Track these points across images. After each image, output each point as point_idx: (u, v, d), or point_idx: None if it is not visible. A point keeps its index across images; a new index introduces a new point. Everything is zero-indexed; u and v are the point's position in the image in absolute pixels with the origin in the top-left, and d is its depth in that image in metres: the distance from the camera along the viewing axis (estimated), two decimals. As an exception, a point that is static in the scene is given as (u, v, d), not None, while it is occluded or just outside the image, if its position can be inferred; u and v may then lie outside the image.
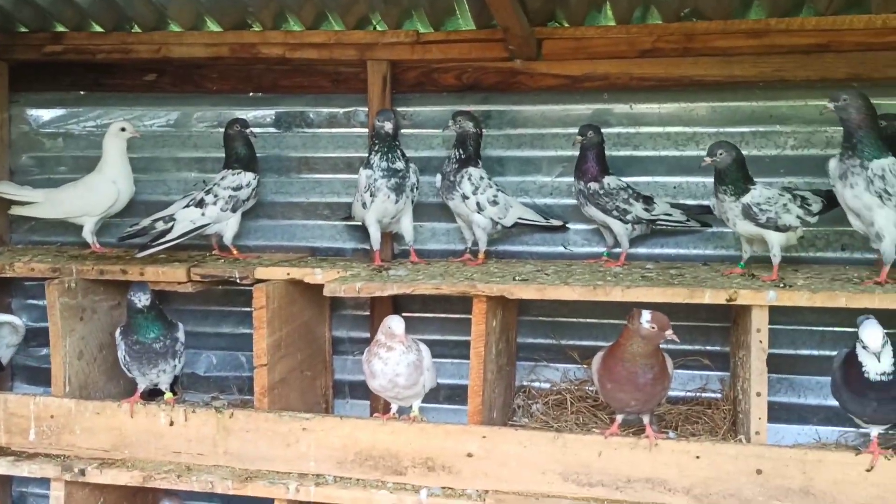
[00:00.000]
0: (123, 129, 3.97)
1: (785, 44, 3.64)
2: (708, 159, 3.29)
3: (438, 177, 3.79)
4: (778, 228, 3.30)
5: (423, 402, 3.37)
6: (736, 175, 3.30)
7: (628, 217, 3.66)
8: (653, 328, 2.88)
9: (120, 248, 4.09)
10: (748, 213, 3.28)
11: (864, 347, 2.76)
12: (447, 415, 3.97)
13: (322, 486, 3.25)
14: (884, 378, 2.76)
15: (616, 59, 3.82)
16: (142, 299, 3.37)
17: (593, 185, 3.64)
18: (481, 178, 3.70)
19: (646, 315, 2.88)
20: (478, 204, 3.68)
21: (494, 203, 3.70)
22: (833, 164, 3.13)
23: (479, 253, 3.80)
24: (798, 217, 3.32)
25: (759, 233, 3.33)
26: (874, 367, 2.77)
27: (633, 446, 3.04)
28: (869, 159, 3.01)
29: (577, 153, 3.75)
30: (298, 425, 3.31)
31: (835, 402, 3.03)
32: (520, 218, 3.82)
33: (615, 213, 3.65)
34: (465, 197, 3.68)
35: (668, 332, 2.88)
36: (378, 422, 3.28)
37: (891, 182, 3.00)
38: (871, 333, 2.74)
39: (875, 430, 2.90)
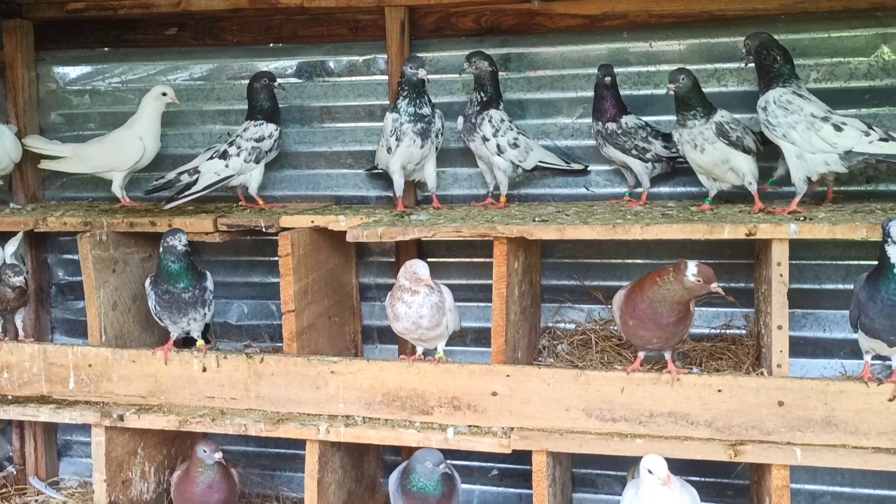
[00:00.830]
0: (164, 94, 4.02)
1: (807, -26, 3.58)
2: (671, 86, 3.34)
3: (460, 119, 3.80)
4: (745, 150, 3.36)
5: (451, 345, 3.43)
6: (700, 97, 3.37)
7: (648, 155, 3.66)
8: (698, 281, 2.88)
9: (149, 202, 4.17)
10: (721, 131, 3.33)
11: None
12: (474, 357, 4.04)
13: (351, 426, 3.34)
14: None
15: (636, -4, 3.79)
16: (182, 240, 3.46)
17: (611, 126, 3.64)
18: (502, 120, 3.70)
19: (692, 268, 2.88)
20: (498, 146, 3.69)
21: (515, 146, 3.71)
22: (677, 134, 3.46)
23: (500, 197, 3.82)
24: (753, 142, 3.43)
25: (727, 157, 3.35)
26: None
27: (656, 382, 3.08)
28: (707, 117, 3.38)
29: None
30: (327, 368, 3.39)
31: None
32: (540, 161, 3.83)
33: (634, 151, 3.65)
34: (485, 139, 3.69)
35: (714, 285, 2.89)
36: (404, 363, 3.35)
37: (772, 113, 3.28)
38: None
39: (896, 359, 2.91)
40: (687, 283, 2.89)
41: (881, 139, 3.17)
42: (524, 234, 3.20)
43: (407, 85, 3.65)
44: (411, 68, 3.61)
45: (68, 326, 4.67)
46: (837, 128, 3.20)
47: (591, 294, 3.98)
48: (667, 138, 3.68)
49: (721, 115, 3.38)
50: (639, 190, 3.77)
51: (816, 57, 3.69)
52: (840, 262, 3.72)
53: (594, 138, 3.76)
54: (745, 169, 3.37)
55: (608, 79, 3.65)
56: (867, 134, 3.19)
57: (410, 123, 3.64)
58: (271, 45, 4.31)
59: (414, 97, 3.64)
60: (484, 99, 3.70)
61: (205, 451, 3.51)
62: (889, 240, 2.75)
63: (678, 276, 2.89)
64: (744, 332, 3.77)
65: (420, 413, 3.31)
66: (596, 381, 3.13)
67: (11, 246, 3.97)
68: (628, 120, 3.65)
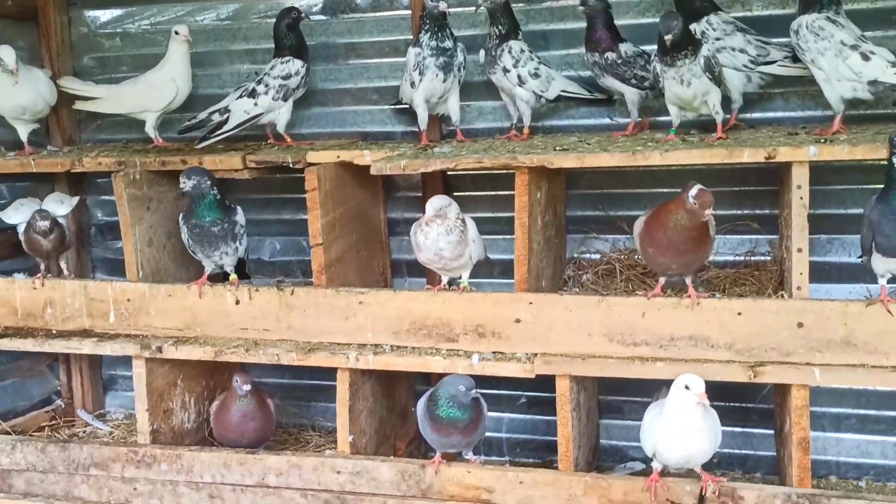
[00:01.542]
0: (177, 33, 4.08)
1: None
2: (669, 37, 3.24)
3: (482, 52, 3.81)
4: (718, 83, 3.39)
5: (478, 277, 3.48)
6: (690, 36, 3.32)
7: (645, 84, 3.64)
8: (694, 204, 2.90)
9: (181, 142, 4.26)
10: (708, 66, 3.32)
11: None
12: (501, 288, 4.08)
13: (380, 354, 3.44)
14: None
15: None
16: (188, 184, 3.54)
17: (611, 55, 3.61)
18: (522, 50, 3.70)
19: (693, 190, 2.90)
20: (519, 77, 3.70)
21: (536, 76, 3.72)
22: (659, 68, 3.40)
23: (523, 128, 3.84)
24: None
25: (708, 90, 3.35)
26: None
27: (676, 306, 3.13)
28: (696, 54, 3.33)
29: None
30: (355, 299, 3.48)
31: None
32: (563, 90, 3.82)
33: (633, 81, 3.63)
34: (506, 70, 3.70)
35: (707, 212, 2.90)
36: (430, 293, 3.43)
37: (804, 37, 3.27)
38: None
39: (915, 279, 2.92)
40: (687, 205, 2.91)
41: None
42: (544, 163, 3.23)
43: (428, 18, 3.66)
44: (432, 1, 3.62)
45: (108, 266, 4.82)
46: (865, 57, 3.16)
47: (616, 224, 4.00)
48: None
49: (706, 49, 3.36)
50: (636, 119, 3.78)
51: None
52: (865, 187, 3.68)
53: (590, 69, 3.72)
54: (715, 100, 3.39)
55: (599, 6, 3.60)
56: (894, 65, 3.15)
57: (433, 57, 3.66)
58: (294, -18, 4.34)
59: (436, 30, 3.66)
60: (502, 32, 3.70)
61: (237, 382, 3.64)
62: None
63: (683, 199, 2.92)
64: (768, 258, 3.78)
65: (446, 341, 3.40)
66: (617, 307, 3.19)
67: (65, 208, 4.09)
68: (626, 48, 3.62)
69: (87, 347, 3.79)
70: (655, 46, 3.40)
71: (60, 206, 4.08)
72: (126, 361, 4.01)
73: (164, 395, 3.85)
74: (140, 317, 3.76)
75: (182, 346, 3.65)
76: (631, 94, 3.69)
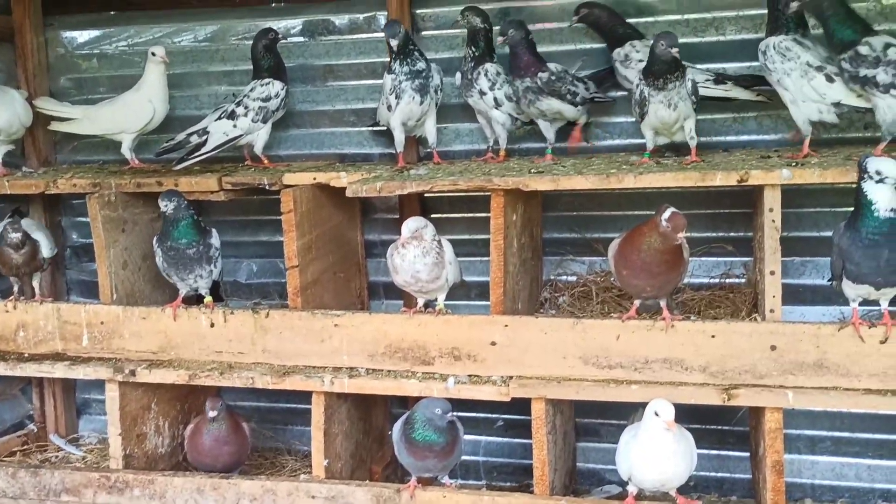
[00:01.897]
0: (154, 54, 4.08)
1: None
2: (676, 50, 3.24)
3: (458, 75, 3.83)
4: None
5: (455, 299, 3.47)
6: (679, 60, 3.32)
7: (577, 99, 3.66)
8: (667, 227, 2.91)
9: (158, 164, 4.24)
10: (694, 90, 3.37)
11: (881, 178, 2.73)
12: (478, 310, 4.06)
13: (355, 377, 3.43)
14: (892, 215, 2.74)
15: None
16: (169, 207, 3.52)
17: (543, 75, 3.58)
18: (497, 73, 3.72)
19: (665, 213, 2.91)
20: (495, 99, 3.72)
21: (511, 98, 3.73)
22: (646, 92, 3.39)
23: (500, 151, 3.85)
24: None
25: (690, 113, 3.38)
26: (885, 202, 2.74)
27: (650, 328, 3.13)
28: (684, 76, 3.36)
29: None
30: (330, 322, 3.47)
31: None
32: None
33: (568, 97, 3.63)
34: (482, 93, 3.72)
35: (680, 235, 2.91)
36: (405, 316, 3.42)
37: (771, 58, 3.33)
38: (886, 162, 2.72)
39: (885, 303, 2.93)
40: (660, 228, 2.92)
41: None
42: (520, 186, 3.24)
43: (391, 48, 3.68)
44: (388, 33, 3.65)
45: (83, 288, 4.77)
46: (829, 79, 3.21)
47: (592, 246, 4.01)
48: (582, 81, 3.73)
49: (692, 72, 3.39)
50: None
51: (815, 3, 3.67)
52: (838, 210, 3.71)
53: (521, 97, 3.65)
54: (692, 124, 3.42)
55: (520, 34, 3.59)
56: None
57: (408, 81, 3.67)
58: (273, 4, 4.36)
59: (403, 57, 3.67)
60: (477, 54, 3.73)
61: (208, 406, 3.61)
62: (866, 175, 2.76)
63: (656, 222, 2.93)
64: (743, 280, 3.80)
65: (421, 364, 3.38)
66: (592, 329, 3.19)
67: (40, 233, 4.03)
68: (554, 66, 3.63)
69: (59, 371, 3.75)
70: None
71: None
72: (100, 385, 3.98)
73: (138, 419, 3.81)
74: (114, 340, 3.73)
75: (156, 370, 3.62)
76: (569, 112, 3.67)
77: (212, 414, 3.60)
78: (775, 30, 3.34)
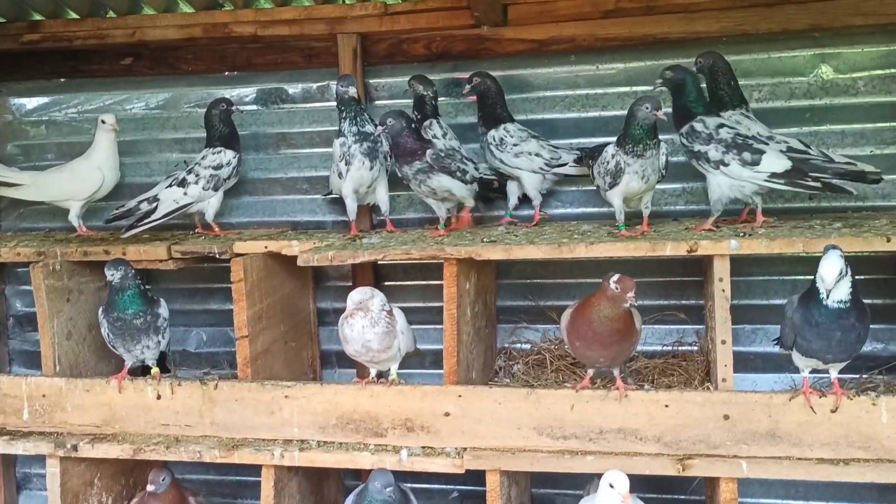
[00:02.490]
0: (104, 122, 4.05)
1: (746, -3, 3.68)
2: (660, 113, 3.18)
3: None
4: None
5: (409, 368, 3.42)
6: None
7: (467, 177, 3.63)
8: (616, 289, 2.92)
9: (106, 231, 4.18)
10: (667, 164, 3.36)
11: (822, 280, 2.77)
12: (433, 379, 4.04)
13: (306, 450, 3.35)
14: (841, 306, 2.77)
15: (581, 20, 3.87)
16: (116, 276, 3.44)
17: (431, 152, 3.53)
18: (442, 128, 3.81)
19: (614, 276, 2.93)
20: None
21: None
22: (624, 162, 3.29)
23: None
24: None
25: (655, 184, 3.37)
26: (833, 294, 2.77)
27: (604, 398, 3.12)
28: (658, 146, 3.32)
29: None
30: (281, 393, 3.40)
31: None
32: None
33: (458, 174, 3.59)
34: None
35: (630, 295, 2.91)
36: (357, 386, 3.36)
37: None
38: (827, 266, 2.74)
39: (834, 372, 2.96)
40: (609, 293, 2.93)
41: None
42: (472, 255, 3.24)
43: (343, 105, 3.69)
44: (341, 86, 3.65)
45: (26, 358, 4.65)
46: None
47: (546, 314, 4.02)
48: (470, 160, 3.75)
49: (663, 147, 3.35)
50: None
51: (758, 77, 3.79)
52: (787, 278, 3.79)
53: (412, 180, 3.59)
54: (651, 195, 3.44)
55: (399, 123, 3.52)
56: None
57: (357, 144, 3.66)
58: (226, 73, 4.36)
59: (353, 116, 3.68)
60: (419, 117, 3.80)
61: (150, 479, 3.49)
62: (819, 274, 2.78)
63: (604, 289, 2.94)
64: (695, 348, 3.82)
65: (374, 435, 3.32)
66: (546, 400, 3.16)
67: None
68: (441, 144, 3.64)
69: (-3, 446, 3.61)
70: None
71: None
72: (41, 459, 3.83)
73: (80, 496, 3.68)
74: (56, 413, 3.61)
75: (99, 444, 3.50)
76: (461, 191, 3.63)
77: (151, 488, 3.47)
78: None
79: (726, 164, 3.27)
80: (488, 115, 3.79)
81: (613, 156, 3.29)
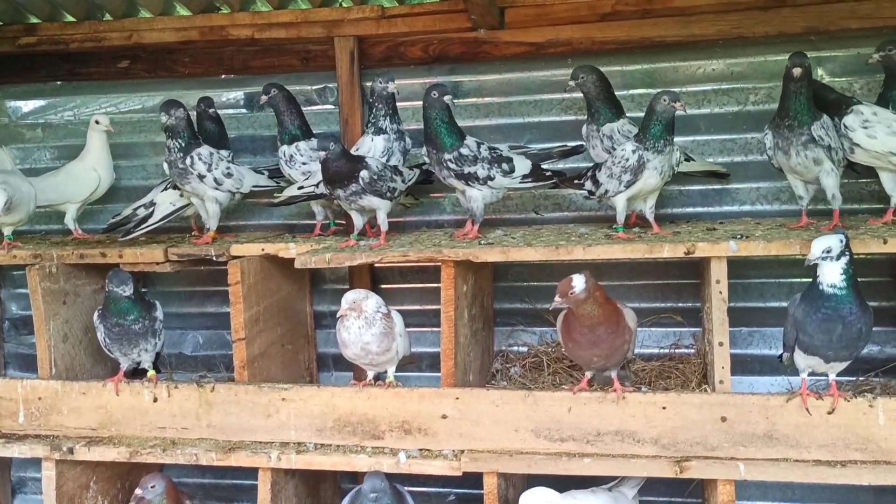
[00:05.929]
0: (98, 122, 4.05)
1: (743, 0, 3.67)
2: (679, 104, 3.17)
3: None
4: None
5: (407, 372, 3.41)
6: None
7: (397, 194, 3.59)
8: (586, 285, 2.92)
9: (102, 235, 4.16)
10: (679, 160, 3.36)
11: (826, 256, 2.77)
12: (430, 382, 4.03)
13: (303, 453, 3.34)
14: (836, 292, 2.78)
15: (578, 24, 3.86)
16: (126, 290, 3.43)
17: (365, 174, 3.44)
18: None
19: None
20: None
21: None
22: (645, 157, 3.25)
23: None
24: None
25: (659, 186, 3.35)
26: (825, 277, 2.78)
27: (602, 400, 3.12)
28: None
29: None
30: (278, 395, 3.39)
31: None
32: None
33: (388, 194, 3.53)
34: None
35: (557, 299, 2.93)
36: (355, 389, 3.36)
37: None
38: (817, 241, 2.77)
39: (833, 374, 2.96)
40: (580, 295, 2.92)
41: None
42: (469, 258, 3.24)
43: (380, 101, 3.68)
44: (381, 83, 3.65)
45: (22, 361, 4.64)
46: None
47: (542, 317, 4.01)
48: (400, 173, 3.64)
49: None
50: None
51: (754, 80, 3.79)
52: (783, 280, 3.80)
53: (344, 200, 3.53)
54: (656, 195, 3.41)
55: (338, 148, 3.43)
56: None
57: (397, 142, 3.68)
58: (223, 76, 4.36)
59: (392, 113, 3.69)
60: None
61: (140, 484, 3.44)
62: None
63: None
64: (692, 351, 3.82)
65: (371, 438, 3.32)
66: (544, 402, 3.16)
67: None
68: (374, 164, 3.50)
69: (-8, 449, 3.60)
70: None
71: None
72: (36, 463, 3.82)
73: (76, 499, 3.67)
74: (51, 416, 3.60)
75: (95, 447, 3.50)
76: (384, 207, 3.55)
77: (139, 492, 3.40)
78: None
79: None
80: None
81: (635, 151, 3.24)
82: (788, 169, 3.28)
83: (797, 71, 3.11)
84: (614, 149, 3.42)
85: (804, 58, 3.13)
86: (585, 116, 3.67)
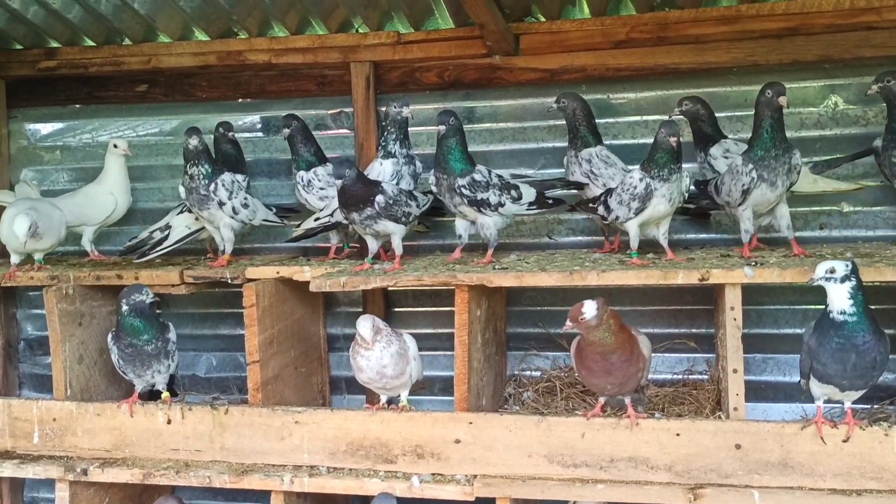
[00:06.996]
0: (116, 147, 4.10)
1: (756, 29, 3.70)
2: (673, 140, 3.21)
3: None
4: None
5: (419, 395, 3.40)
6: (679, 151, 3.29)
7: (411, 218, 3.60)
8: (600, 310, 2.93)
9: (119, 257, 4.19)
10: (688, 187, 3.36)
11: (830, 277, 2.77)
12: (442, 406, 4.01)
13: (316, 476, 3.34)
14: (846, 318, 2.77)
15: (592, 50, 3.90)
16: (149, 296, 3.48)
17: (380, 198, 3.47)
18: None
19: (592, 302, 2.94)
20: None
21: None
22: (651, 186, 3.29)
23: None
24: None
25: (675, 208, 3.36)
26: (834, 303, 2.78)
27: (615, 426, 3.11)
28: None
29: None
30: (291, 419, 3.40)
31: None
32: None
33: (403, 219, 3.55)
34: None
35: (568, 323, 2.95)
36: (368, 412, 3.36)
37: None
38: (820, 264, 2.77)
39: (849, 402, 2.94)
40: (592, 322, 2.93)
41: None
42: (484, 282, 3.25)
43: (394, 126, 3.70)
44: (396, 107, 3.67)
45: (36, 382, 4.66)
46: None
47: (556, 342, 4.02)
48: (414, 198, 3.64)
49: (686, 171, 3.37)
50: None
51: (768, 107, 3.79)
52: (797, 307, 3.80)
53: (359, 224, 3.53)
54: (668, 222, 3.41)
55: (353, 173, 3.44)
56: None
57: (406, 166, 3.71)
58: (240, 100, 4.41)
59: (402, 138, 3.71)
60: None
61: (157, 506, 3.49)
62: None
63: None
64: (706, 377, 3.81)
65: (384, 462, 3.32)
66: (557, 427, 3.15)
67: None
68: (390, 189, 3.51)
69: (7, 470, 3.60)
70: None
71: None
72: (50, 483, 3.83)
73: (88, 520, 3.68)
74: (66, 437, 3.61)
75: (109, 469, 3.50)
76: (400, 231, 3.56)
77: None
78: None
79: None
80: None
81: (642, 179, 3.28)
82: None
83: (783, 100, 3.17)
84: (593, 172, 3.62)
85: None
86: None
